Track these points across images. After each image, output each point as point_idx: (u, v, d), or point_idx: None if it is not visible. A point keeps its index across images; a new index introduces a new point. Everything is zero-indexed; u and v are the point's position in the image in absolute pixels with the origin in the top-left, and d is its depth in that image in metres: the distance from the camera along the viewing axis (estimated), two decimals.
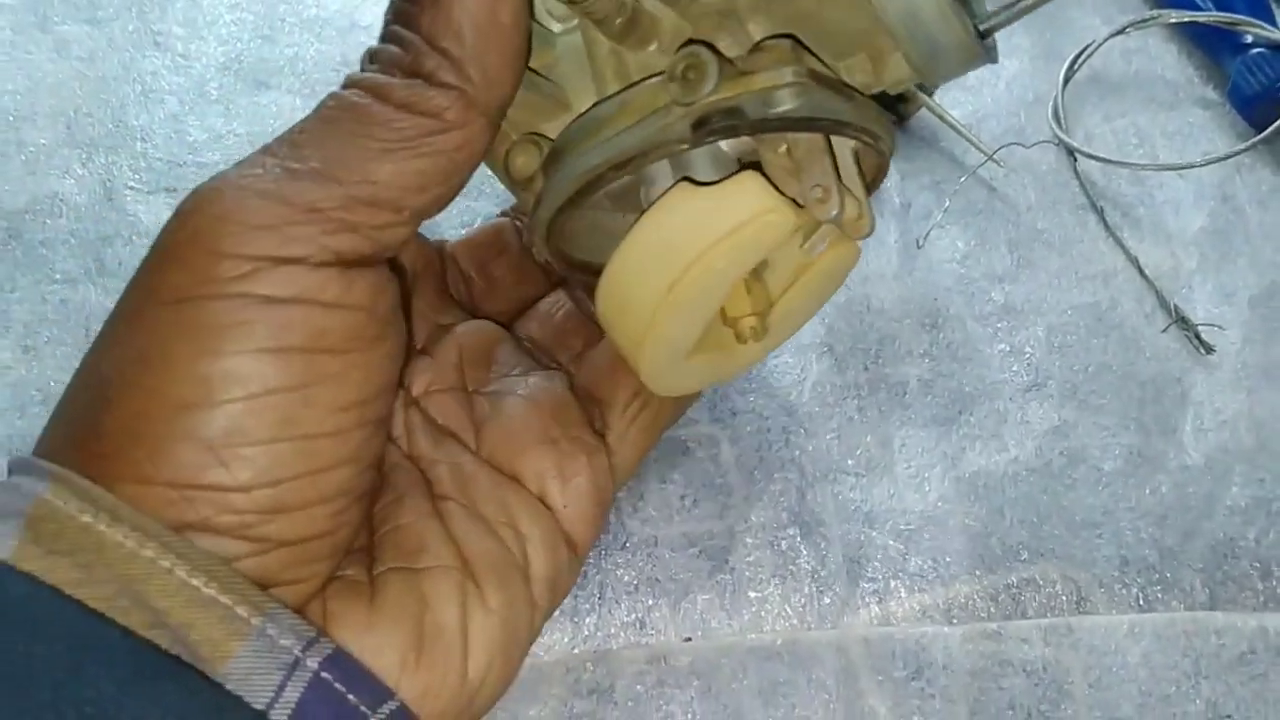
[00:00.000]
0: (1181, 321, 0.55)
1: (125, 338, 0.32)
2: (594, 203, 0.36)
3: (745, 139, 0.36)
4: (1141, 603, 0.49)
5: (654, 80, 0.34)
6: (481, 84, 0.33)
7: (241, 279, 0.31)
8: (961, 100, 0.63)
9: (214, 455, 0.31)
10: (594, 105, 0.36)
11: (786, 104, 0.32)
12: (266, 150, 0.33)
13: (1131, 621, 0.48)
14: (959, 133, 0.60)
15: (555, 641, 0.47)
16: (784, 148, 0.35)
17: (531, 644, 0.40)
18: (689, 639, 0.48)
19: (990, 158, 0.58)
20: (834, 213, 0.34)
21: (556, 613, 0.47)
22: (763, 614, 0.48)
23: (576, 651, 0.47)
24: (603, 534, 0.49)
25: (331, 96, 0.34)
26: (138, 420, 0.31)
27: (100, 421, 0.31)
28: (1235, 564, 0.49)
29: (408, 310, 0.41)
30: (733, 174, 0.35)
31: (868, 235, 0.38)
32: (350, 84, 0.34)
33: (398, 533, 0.38)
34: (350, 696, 0.32)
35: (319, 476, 0.33)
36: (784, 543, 0.50)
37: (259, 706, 0.31)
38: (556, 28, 0.36)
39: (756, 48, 0.34)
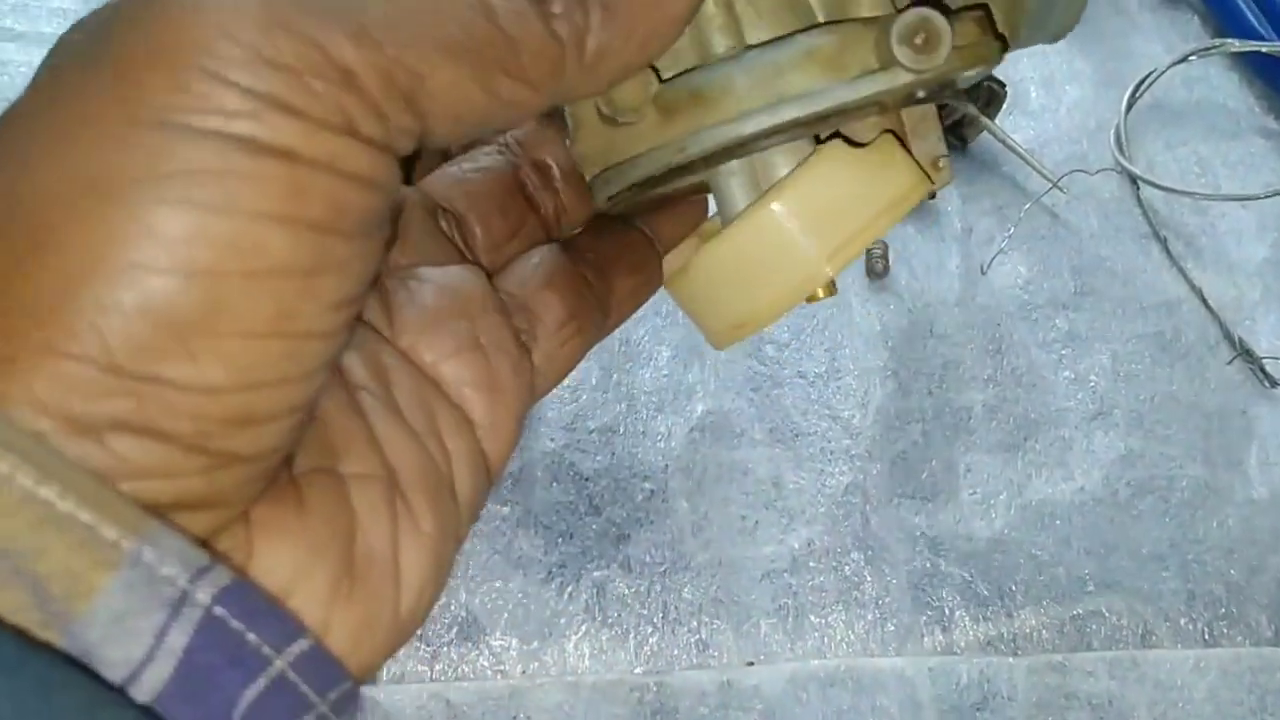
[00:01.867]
0: (1246, 354, 0.55)
1: (64, 158, 0.23)
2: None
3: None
4: (1207, 637, 0.48)
5: (850, 30, 0.33)
6: (592, 60, 0.28)
7: (251, 116, 0.24)
8: (1023, 125, 0.63)
9: (182, 343, 0.23)
10: (748, 48, 0.34)
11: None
12: None
13: (1197, 656, 0.48)
14: (1023, 158, 0.59)
15: (617, 660, 0.47)
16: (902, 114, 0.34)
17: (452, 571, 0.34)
18: (752, 663, 0.47)
19: (1055, 185, 0.58)
20: (951, 180, 0.34)
21: (618, 630, 0.47)
22: (826, 639, 0.48)
23: (638, 672, 0.47)
24: (665, 553, 0.49)
25: None
26: (74, 275, 0.23)
27: (21, 263, 0.23)
28: None
29: None
30: (874, 140, 0.34)
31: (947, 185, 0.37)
32: None
33: (316, 425, 0.30)
34: (250, 635, 0.25)
35: (298, 384, 0.26)
36: (848, 568, 0.49)
37: (117, 678, 0.23)
38: None
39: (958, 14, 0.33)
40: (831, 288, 0.36)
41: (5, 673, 0.21)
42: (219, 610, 0.24)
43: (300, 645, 0.26)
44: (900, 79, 0.31)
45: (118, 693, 0.23)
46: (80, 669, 0.22)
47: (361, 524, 0.29)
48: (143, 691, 0.23)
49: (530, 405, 0.36)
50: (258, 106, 0.23)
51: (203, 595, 0.24)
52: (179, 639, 0.23)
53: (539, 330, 0.37)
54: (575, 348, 0.40)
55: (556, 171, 0.39)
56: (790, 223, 0.34)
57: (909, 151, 0.34)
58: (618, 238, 0.40)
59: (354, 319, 0.28)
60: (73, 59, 0.24)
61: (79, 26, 0.24)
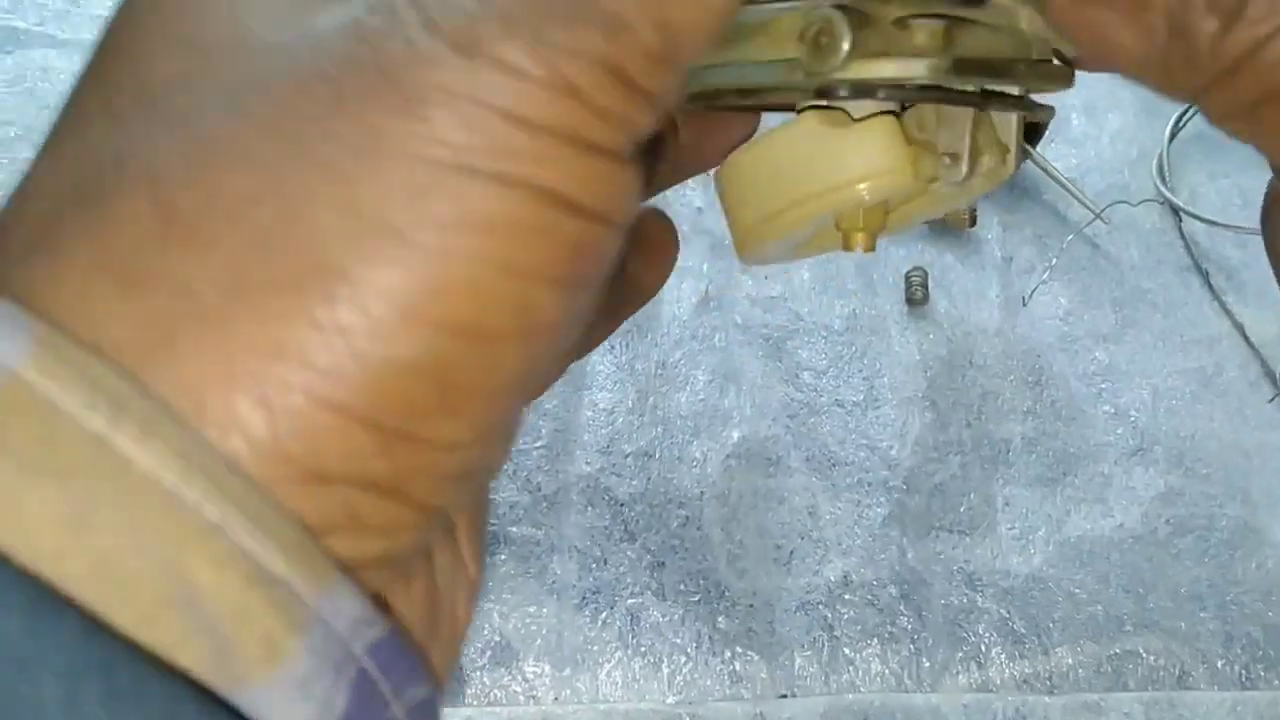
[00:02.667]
0: None
1: (352, 192, 0.20)
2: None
3: None
4: (1244, 680, 0.48)
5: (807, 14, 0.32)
6: None
7: (545, 161, 0.20)
8: (1065, 154, 0.62)
9: (441, 396, 0.20)
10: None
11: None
12: None
13: (1234, 699, 0.47)
14: (1065, 188, 0.59)
15: (650, 690, 0.46)
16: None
17: None
18: (785, 695, 0.47)
19: (1098, 215, 0.58)
20: (960, 178, 0.33)
21: (651, 660, 0.47)
22: (861, 674, 0.47)
23: (671, 701, 0.46)
24: (700, 582, 0.48)
25: None
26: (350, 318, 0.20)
27: (284, 291, 0.20)
28: None
29: None
30: (872, 115, 0.33)
31: (1005, 180, 0.36)
32: None
33: None
34: (383, 687, 0.22)
35: (515, 433, 0.24)
36: (883, 601, 0.49)
37: None
38: None
39: (903, 23, 0.32)
40: (867, 247, 0.35)
41: None
42: (367, 662, 0.22)
43: (420, 693, 0.23)
44: (795, 75, 0.30)
45: None
46: None
47: (441, 589, 0.27)
48: None
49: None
50: (548, 146, 0.20)
51: (358, 648, 0.21)
52: (340, 700, 0.21)
53: None
54: (569, 359, 0.38)
55: None
56: (749, 171, 0.34)
57: (912, 132, 0.33)
58: (638, 240, 0.36)
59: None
60: (342, 70, 0.20)
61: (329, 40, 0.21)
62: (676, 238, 0.40)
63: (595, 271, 0.22)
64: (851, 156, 0.33)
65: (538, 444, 0.51)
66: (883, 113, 0.33)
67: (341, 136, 0.20)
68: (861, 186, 0.32)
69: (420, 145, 0.19)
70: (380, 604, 0.22)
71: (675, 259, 0.39)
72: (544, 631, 0.47)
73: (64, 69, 0.60)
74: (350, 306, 0.19)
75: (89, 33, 0.62)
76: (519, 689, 0.46)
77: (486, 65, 0.19)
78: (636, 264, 0.38)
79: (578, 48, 0.20)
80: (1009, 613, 0.49)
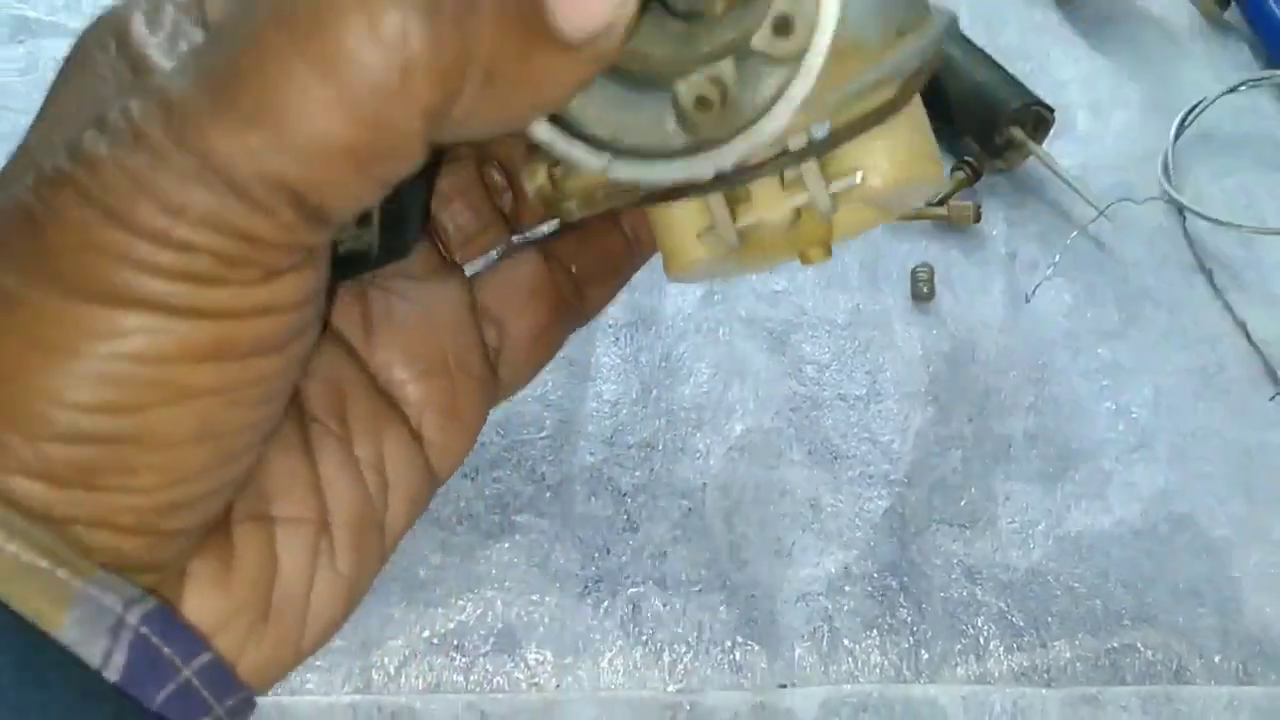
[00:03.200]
0: None
1: (21, 316, 0.27)
2: None
3: None
4: (1241, 675, 0.48)
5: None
6: (464, 122, 0.27)
7: (167, 295, 0.26)
8: (1070, 151, 0.63)
9: (116, 458, 0.28)
10: None
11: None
12: (157, 113, 0.25)
13: (1231, 694, 0.47)
14: (1070, 186, 0.59)
15: (650, 678, 0.47)
16: None
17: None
18: (784, 686, 0.47)
19: (1102, 213, 0.58)
20: (732, 246, 0.34)
21: (652, 648, 0.47)
22: (860, 665, 0.48)
23: (671, 690, 0.47)
24: (701, 572, 0.49)
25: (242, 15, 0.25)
26: (15, 410, 0.27)
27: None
28: None
29: None
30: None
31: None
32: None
33: (261, 469, 0.34)
34: (165, 649, 0.30)
35: (229, 467, 0.30)
36: (884, 593, 0.49)
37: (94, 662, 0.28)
38: None
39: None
40: (823, 256, 0.36)
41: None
42: (144, 629, 0.29)
43: (204, 658, 0.31)
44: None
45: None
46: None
47: (283, 571, 0.34)
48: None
49: (486, 419, 0.39)
50: (179, 285, 0.26)
51: (132, 618, 0.29)
52: (120, 657, 0.29)
53: (507, 345, 0.39)
54: (542, 360, 0.41)
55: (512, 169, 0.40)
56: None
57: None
58: (600, 245, 0.41)
59: (283, 406, 0.31)
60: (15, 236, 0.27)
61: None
62: (630, 261, 0.42)
63: (246, 350, 0.28)
64: (664, 240, 0.35)
65: (542, 434, 0.51)
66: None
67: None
68: (670, 266, 0.35)
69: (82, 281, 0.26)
70: (152, 591, 0.30)
71: (624, 282, 0.43)
72: (546, 619, 0.47)
73: None
74: (20, 409, 0.27)
75: None
76: (521, 675, 0.46)
77: (134, 232, 0.25)
78: (597, 292, 0.41)
79: (219, 224, 0.26)
80: (1008, 606, 0.49)
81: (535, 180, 0.35)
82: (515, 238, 0.41)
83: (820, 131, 0.32)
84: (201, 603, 0.32)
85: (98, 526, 0.28)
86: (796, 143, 0.32)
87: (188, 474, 0.29)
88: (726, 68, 0.30)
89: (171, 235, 0.26)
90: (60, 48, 0.27)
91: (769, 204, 0.34)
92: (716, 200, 0.34)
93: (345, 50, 0.24)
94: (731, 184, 0.33)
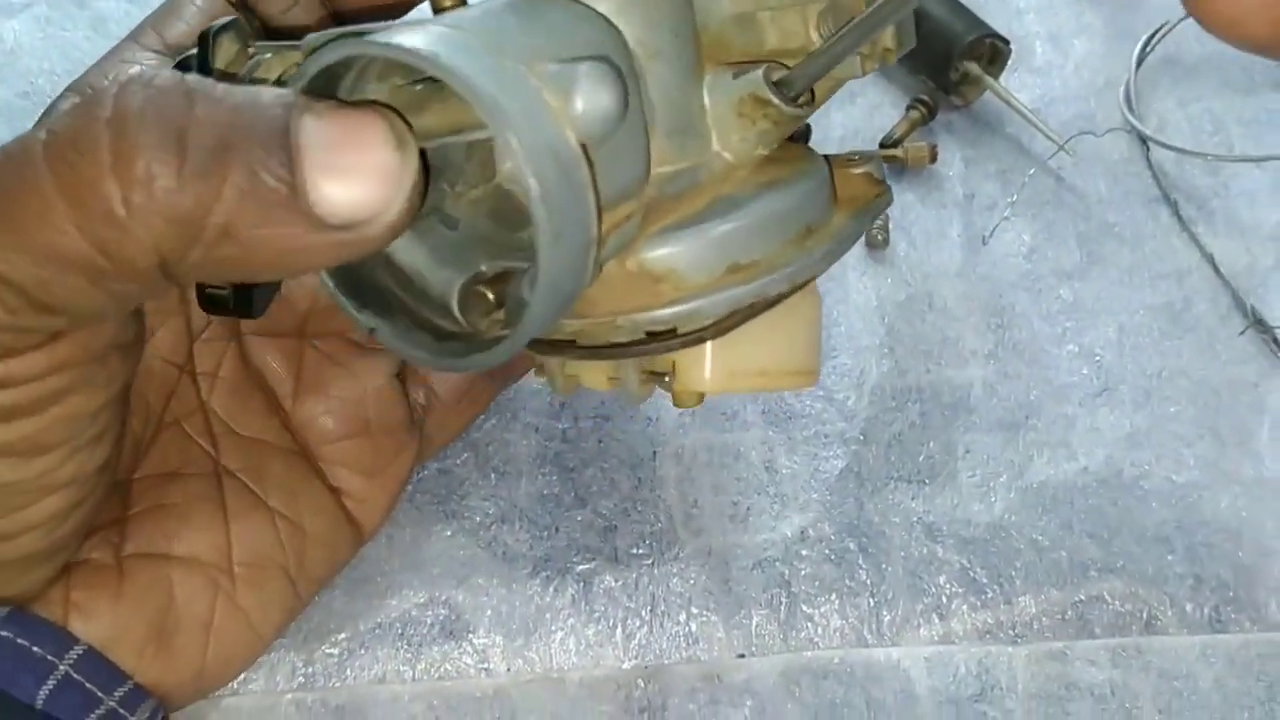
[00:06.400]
0: (1258, 324, 0.53)
1: None
2: None
3: None
4: (1214, 623, 0.47)
5: None
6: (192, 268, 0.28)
7: None
8: (1029, 83, 0.60)
9: None
10: None
11: None
12: None
13: (1203, 643, 0.46)
14: (1028, 120, 0.57)
15: (604, 655, 0.46)
16: None
17: (282, 633, 0.42)
18: (743, 655, 0.46)
19: (1062, 147, 0.56)
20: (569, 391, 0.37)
21: (605, 625, 0.46)
22: (820, 630, 0.47)
23: (627, 667, 0.46)
24: (653, 544, 0.48)
25: (18, 146, 0.27)
26: None
27: None
28: None
29: None
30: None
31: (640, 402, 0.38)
32: (47, 145, 0.27)
33: (159, 512, 0.37)
34: (35, 649, 0.34)
35: (23, 513, 0.32)
36: (842, 555, 0.48)
37: None
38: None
39: None
40: (696, 401, 0.37)
41: None
42: (4, 632, 0.33)
43: (76, 651, 0.34)
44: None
45: None
46: None
47: (176, 601, 0.37)
48: None
49: (410, 474, 0.44)
50: None
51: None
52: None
53: (435, 403, 0.45)
54: (469, 415, 0.46)
55: None
56: None
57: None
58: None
59: (92, 439, 0.33)
60: None
61: None
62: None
63: (16, 446, 0.30)
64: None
65: (486, 415, 0.50)
66: None
67: None
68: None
69: None
70: (26, 608, 0.34)
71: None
72: (494, 602, 0.46)
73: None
74: None
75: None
76: (470, 661, 0.45)
77: None
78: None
79: None
80: (970, 562, 0.48)
81: None
82: None
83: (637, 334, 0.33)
84: (85, 625, 0.35)
85: None
86: (620, 337, 0.32)
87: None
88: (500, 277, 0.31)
89: None
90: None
91: (591, 375, 0.35)
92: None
93: (88, 179, 0.25)
94: (562, 353, 0.33)
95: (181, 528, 0.38)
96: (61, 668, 0.34)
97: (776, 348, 0.36)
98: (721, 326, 0.33)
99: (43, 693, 0.33)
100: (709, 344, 0.34)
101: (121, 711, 0.35)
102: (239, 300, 0.34)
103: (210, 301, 0.34)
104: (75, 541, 0.35)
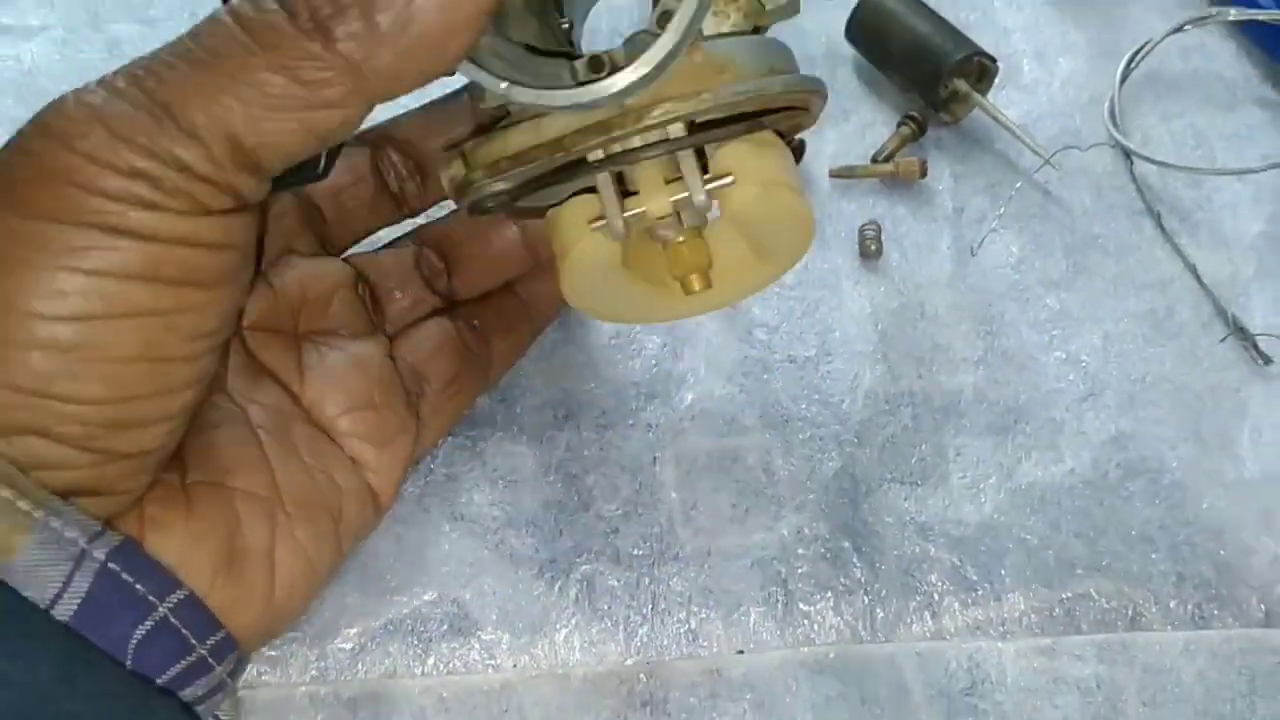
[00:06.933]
0: (1239, 331, 0.54)
1: None
2: None
3: None
4: (1198, 619, 0.48)
5: None
6: (384, 73, 0.31)
7: (111, 214, 0.31)
8: (1016, 100, 0.62)
9: (66, 366, 0.31)
10: None
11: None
12: (133, 78, 0.32)
13: (1187, 639, 0.48)
14: (1015, 135, 0.59)
15: (607, 652, 0.47)
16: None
17: (333, 575, 0.43)
18: (741, 651, 0.48)
19: (1047, 161, 0.58)
20: (619, 233, 0.37)
21: (608, 622, 0.47)
22: (815, 627, 0.48)
23: (629, 663, 0.47)
24: (654, 545, 0.49)
25: (210, 23, 0.32)
26: None
27: None
28: None
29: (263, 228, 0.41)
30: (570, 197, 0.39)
31: (703, 223, 0.40)
32: (235, 17, 0.31)
33: (211, 450, 0.39)
34: (138, 586, 0.34)
35: (168, 397, 0.34)
36: (837, 554, 0.49)
37: (44, 601, 0.32)
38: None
39: None
40: (705, 282, 0.40)
41: None
42: (112, 565, 0.33)
43: (179, 595, 0.35)
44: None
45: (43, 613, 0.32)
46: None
47: (242, 525, 0.38)
48: (59, 616, 0.32)
49: (415, 454, 0.46)
50: (121, 205, 0.31)
51: (98, 553, 0.33)
52: (82, 584, 0.32)
53: (427, 390, 0.46)
54: (459, 404, 0.48)
55: (449, 259, 0.47)
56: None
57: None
58: (496, 305, 0.49)
59: (224, 341, 0.36)
60: None
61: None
62: (526, 317, 0.51)
63: (175, 275, 0.32)
64: (559, 233, 0.39)
65: (491, 424, 0.51)
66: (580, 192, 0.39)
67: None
68: (572, 258, 0.39)
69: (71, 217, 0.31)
70: (113, 525, 0.34)
71: (528, 345, 0.52)
72: (501, 601, 0.48)
73: (8, 55, 0.62)
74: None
75: (35, 19, 0.63)
76: (478, 657, 0.47)
77: (101, 167, 0.31)
78: (498, 344, 0.49)
79: (159, 151, 0.31)
80: (960, 561, 0.49)
81: (450, 170, 0.38)
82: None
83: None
84: (162, 541, 0.35)
85: (47, 437, 0.32)
86: (676, 131, 0.34)
87: (129, 391, 0.33)
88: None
89: (116, 160, 0.31)
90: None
91: (652, 194, 0.36)
92: (605, 185, 0.36)
93: (275, 27, 0.31)
94: (618, 163, 0.35)
95: (235, 465, 0.39)
96: (161, 609, 0.34)
97: (790, 169, 0.40)
98: (774, 119, 0.39)
99: (138, 633, 0.34)
100: (764, 152, 0.38)
101: (210, 661, 0.35)
102: (308, 165, 0.36)
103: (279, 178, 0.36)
104: (167, 458, 0.36)
